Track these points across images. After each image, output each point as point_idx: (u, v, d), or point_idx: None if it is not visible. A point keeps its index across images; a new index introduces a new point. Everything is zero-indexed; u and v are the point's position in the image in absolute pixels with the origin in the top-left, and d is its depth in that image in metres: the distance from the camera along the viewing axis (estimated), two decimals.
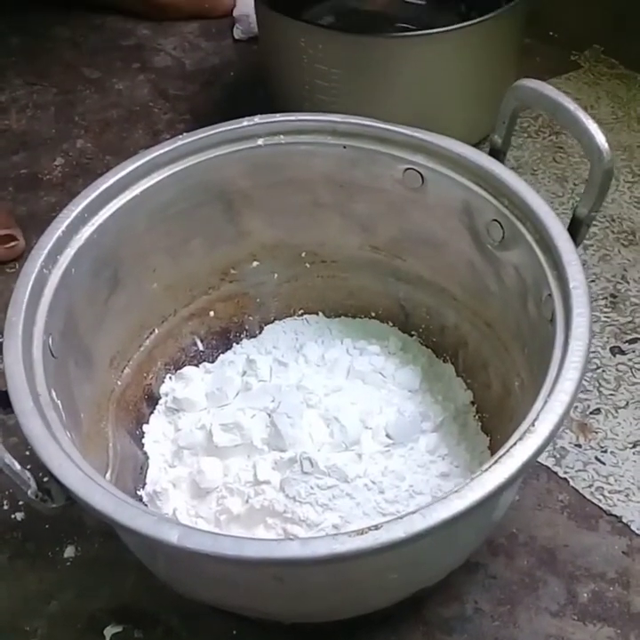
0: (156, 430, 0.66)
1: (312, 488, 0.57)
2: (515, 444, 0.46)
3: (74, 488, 0.45)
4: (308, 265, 0.70)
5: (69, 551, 0.62)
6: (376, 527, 0.43)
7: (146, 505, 0.60)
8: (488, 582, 0.59)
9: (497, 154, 0.60)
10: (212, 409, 0.65)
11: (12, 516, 0.64)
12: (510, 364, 0.62)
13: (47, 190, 0.91)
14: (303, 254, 0.70)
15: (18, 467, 0.45)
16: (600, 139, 0.53)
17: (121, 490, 0.57)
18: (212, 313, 0.70)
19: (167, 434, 0.66)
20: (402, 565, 0.49)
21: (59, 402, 0.52)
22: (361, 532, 0.43)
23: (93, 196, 0.59)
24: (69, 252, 0.57)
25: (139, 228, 0.62)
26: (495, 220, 0.58)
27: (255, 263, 0.70)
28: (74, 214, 0.58)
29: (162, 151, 0.62)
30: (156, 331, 0.67)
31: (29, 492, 0.46)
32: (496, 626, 0.58)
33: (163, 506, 0.60)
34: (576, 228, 0.55)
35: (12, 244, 0.82)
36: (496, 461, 0.45)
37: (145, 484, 0.63)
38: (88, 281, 0.59)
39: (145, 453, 0.64)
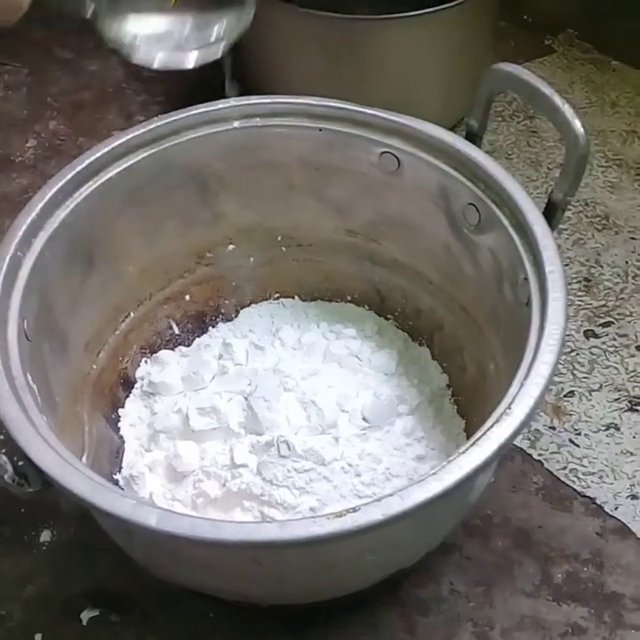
0: (132, 414, 0.66)
1: (289, 471, 0.57)
2: (491, 426, 0.46)
3: (51, 472, 0.45)
4: (283, 248, 0.70)
5: (45, 535, 0.62)
6: (354, 509, 0.43)
7: (122, 489, 0.60)
8: (464, 563, 0.60)
9: (473, 138, 0.60)
10: (188, 393, 0.65)
11: None
12: (486, 348, 0.62)
13: (19, 172, 0.90)
14: (279, 238, 0.70)
15: None
16: (576, 123, 0.53)
17: (97, 474, 0.58)
18: (187, 296, 0.70)
19: (143, 418, 0.65)
20: (379, 547, 0.49)
21: (34, 385, 0.51)
22: (339, 514, 0.43)
23: (67, 178, 0.59)
24: (43, 235, 0.57)
25: (113, 211, 0.62)
26: (471, 204, 0.58)
27: (231, 246, 0.69)
28: (48, 197, 0.57)
29: (136, 133, 0.62)
30: (132, 314, 0.67)
31: (6, 477, 0.46)
32: (472, 606, 0.58)
33: (139, 490, 0.60)
34: (551, 213, 0.56)
35: None
36: (473, 444, 0.45)
37: (121, 467, 0.63)
38: (62, 264, 0.59)
39: (121, 437, 0.64)
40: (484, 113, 0.60)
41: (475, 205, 0.58)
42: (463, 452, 0.45)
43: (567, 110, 0.54)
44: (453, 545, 0.60)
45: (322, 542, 0.43)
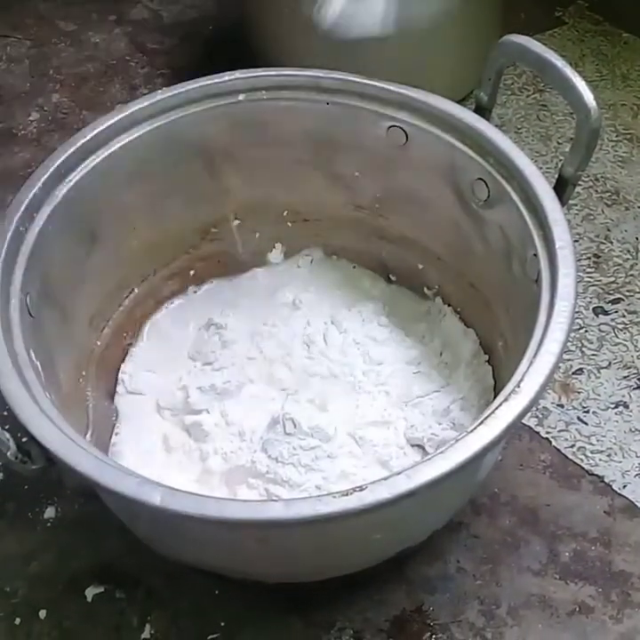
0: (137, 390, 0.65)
1: (295, 449, 0.57)
2: (500, 404, 0.45)
3: (54, 450, 0.44)
4: (289, 224, 0.69)
5: (49, 512, 0.61)
6: (361, 488, 0.43)
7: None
8: (470, 542, 0.59)
9: (482, 111, 0.59)
10: (192, 369, 0.64)
11: None
12: (494, 325, 0.61)
13: (22, 146, 0.89)
14: (285, 213, 0.69)
15: None
16: (588, 96, 0.52)
17: (101, 451, 0.57)
18: (192, 272, 0.69)
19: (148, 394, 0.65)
20: (386, 526, 0.48)
21: (37, 362, 0.51)
22: (345, 493, 0.42)
23: (70, 151, 0.58)
24: (46, 210, 0.56)
25: (117, 186, 0.61)
26: (480, 179, 0.58)
27: (236, 222, 0.69)
28: (50, 171, 0.57)
29: (140, 106, 0.61)
30: (136, 290, 0.66)
31: (9, 454, 0.45)
32: (478, 585, 0.58)
33: (142, 467, 0.60)
34: (562, 188, 0.55)
35: None
36: (481, 422, 0.45)
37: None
38: (66, 239, 0.58)
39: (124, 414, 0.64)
40: (493, 86, 0.59)
41: (484, 180, 0.57)
42: (471, 431, 0.44)
43: (579, 83, 0.53)
44: (460, 523, 0.60)
45: (328, 521, 0.42)
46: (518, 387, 0.46)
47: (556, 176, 0.55)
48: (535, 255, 0.52)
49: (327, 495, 0.42)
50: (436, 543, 0.58)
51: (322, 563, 0.52)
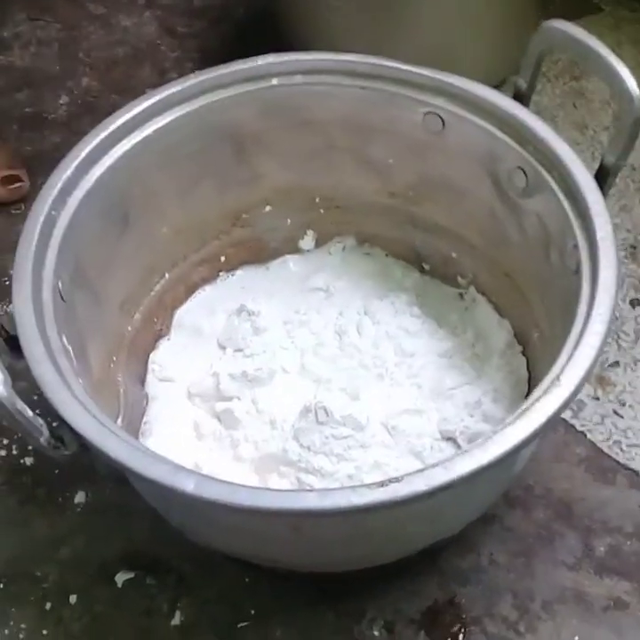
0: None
1: (327, 438, 0.56)
2: (539, 397, 0.45)
3: (88, 435, 0.44)
4: (322, 210, 0.68)
5: (80, 496, 0.61)
6: (397, 480, 0.42)
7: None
8: (504, 534, 0.59)
9: (521, 98, 0.59)
10: (223, 356, 0.64)
11: (22, 461, 0.63)
12: (529, 316, 0.60)
13: (52, 129, 0.89)
14: (317, 199, 0.68)
15: (30, 413, 0.44)
16: (631, 84, 0.51)
17: (132, 436, 0.57)
18: (222, 258, 0.69)
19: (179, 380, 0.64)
20: (421, 517, 0.48)
21: (69, 347, 0.51)
22: (381, 484, 0.42)
23: (103, 135, 0.58)
24: (78, 194, 0.56)
25: (149, 170, 0.61)
26: (519, 168, 0.57)
27: (268, 208, 0.68)
28: (83, 154, 0.57)
29: (172, 90, 0.60)
30: (167, 275, 0.66)
31: (42, 440, 0.45)
32: (511, 578, 0.57)
33: (173, 453, 0.59)
34: (603, 178, 0.54)
35: (17, 184, 0.80)
36: (520, 415, 0.44)
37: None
38: (98, 223, 0.58)
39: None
40: (533, 72, 0.58)
41: (522, 169, 0.56)
42: (510, 423, 0.44)
43: (622, 70, 0.52)
44: (494, 515, 0.59)
45: (362, 512, 0.42)
46: (558, 379, 0.45)
47: (594, 165, 0.54)
48: (575, 246, 0.51)
49: (362, 486, 0.42)
50: (470, 535, 0.58)
51: (354, 553, 0.51)
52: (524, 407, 0.45)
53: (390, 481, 0.42)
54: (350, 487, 0.42)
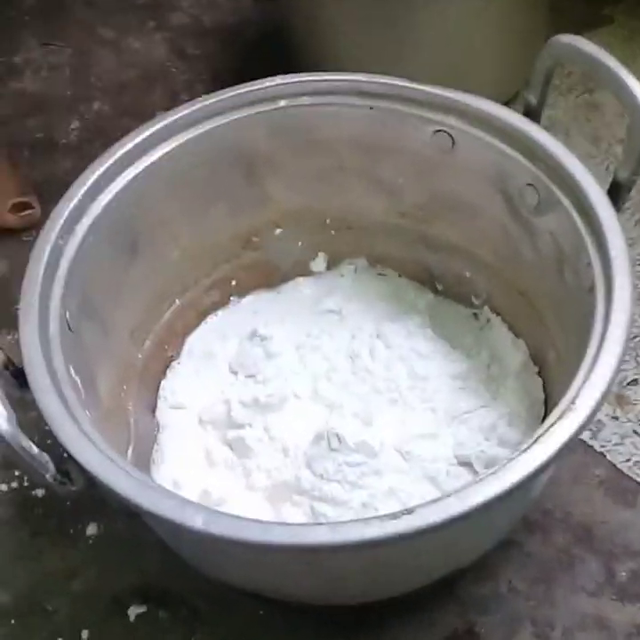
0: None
1: (340, 465, 0.55)
2: (555, 422, 0.44)
3: (94, 471, 0.43)
4: (333, 232, 0.68)
5: (92, 528, 0.60)
6: (409, 511, 0.41)
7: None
8: (523, 560, 0.57)
9: (531, 114, 0.58)
10: (234, 382, 0.63)
11: (33, 493, 0.62)
12: (545, 336, 0.59)
13: (63, 154, 0.89)
14: (328, 221, 0.67)
15: (35, 450, 0.44)
16: None
17: (143, 467, 0.57)
18: (233, 282, 0.68)
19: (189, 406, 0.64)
20: (436, 548, 0.47)
21: (77, 378, 0.50)
22: (394, 516, 0.41)
23: (110, 162, 0.57)
24: (86, 222, 0.56)
25: (158, 195, 0.60)
26: (530, 185, 0.56)
27: (278, 230, 0.67)
28: (90, 182, 0.56)
29: (181, 114, 0.60)
30: (177, 301, 0.65)
31: (48, 476, 0.44)
32: (531, 605, 0.56)
33: (184, 482, 0.59)
34: (616, 193, 0.53)
35: (28, 212, 0.80)
36: (536, 441, 0.43)
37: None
38: (106, 251, 0.57)
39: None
40: (543, 88, 0.57)
41: (534, 186, 0.55)
42: (526, 450, 0.43)
43: (632, 83, 0.51)
44: (512, 540, 0.58)
45: (375, 546, 0.41)
46: (573, 403, 0.44)
47: (609, 178, 0.53)
48: (589, 264, 0.50)
49: (375, 518, 0.41)
50: (488, 561, 0.56)
51: (368, 585, 0.50)
52: (539, 432, 0.44)
53: (403, 512, 0.41)
54: (362, 520, 0.41)
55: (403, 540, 0.41)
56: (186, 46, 1.01)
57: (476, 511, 0.41)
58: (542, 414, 0.58)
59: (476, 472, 0.56)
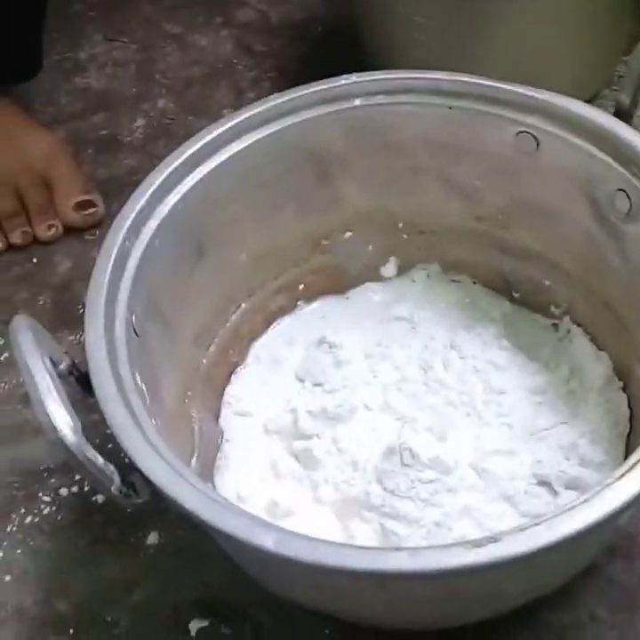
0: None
1: (412, 481, 0.53)
2: None
3: (161, 485, 0.42)
4: (405, 236, 0.65)
5: (153, 538, 0.59)
6: (494, 539, 0.38)
7: None
8: (605, 587, 0.54)
9: (622, 115, 0.55)
10: (301, 390, 0.61)
11: (93, 499, 0.61)
12: (630, 348, 0.56)
13: (128, 153, 0.87)
14: (400, 224, 0.65)
15: (101, 461, 0.42)
16: None
17: (207, 475, 0.55)
18: (301, 286, 0.66)
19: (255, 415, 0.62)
20: (518, 576, 0.44)
21: (143, 385, 0.49)
22: (477, 543, 0.38)
23: (178, 162, 0.56)
24: (153, 224, 0.54)
25: (226, 196, 0.59)
26: (621, 190, 0.53)
27: (348, 233, 0.65)
28: (157, 183, 0.55)
29: (251, 113, 0.58)
30: (243, 305, 0.63)
31: (113, 488, 0.43)
32: (614, 634, 0.53)
33: (250, 493, 0.57)
34: None
35: (92, 210, 0.79)
36: (631, 468, 0.40)
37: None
38: (172, 253, 0.56)
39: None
40: (636, 87, 0.54)
41: (625, 191, 0.52)
42: (620, 477, 0.40)
43: None
44: (594, 566, 0.54)
45: (456, 575, 0.38)
46: None
47: None
48: None
49: (457, 545, 0.39)
50: (568, 588, 0.53)
51: (444, 612, 0.48)
52: (634, 458, 0.41)
53: (487, 540, 0.38)
54: (444, 546, 0.39)
55: (486, 571, 0.38)
56: (252, 43, 0.99)
57: (565, 542, 0.38)
58: (627, 433, 0.55)
59: (555, 492, 0.54)
